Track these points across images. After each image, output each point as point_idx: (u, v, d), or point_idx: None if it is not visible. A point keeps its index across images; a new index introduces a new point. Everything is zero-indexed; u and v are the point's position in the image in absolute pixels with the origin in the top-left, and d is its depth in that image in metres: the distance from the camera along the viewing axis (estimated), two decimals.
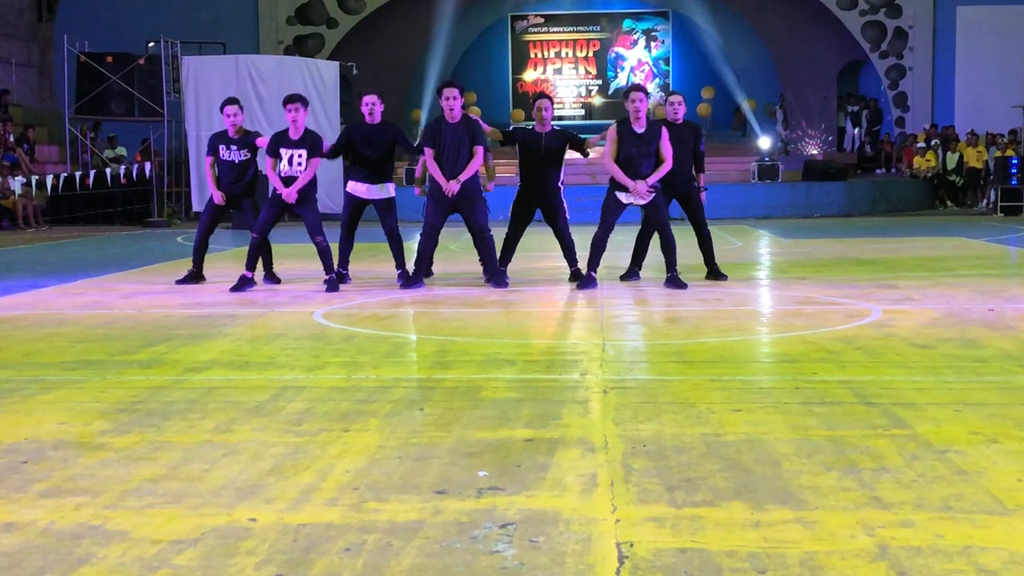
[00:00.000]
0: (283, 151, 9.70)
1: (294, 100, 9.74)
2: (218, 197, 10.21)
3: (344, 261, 10.32)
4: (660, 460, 4.05)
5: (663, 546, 3.15)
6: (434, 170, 9.68)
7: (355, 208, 10.26)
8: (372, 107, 9.94)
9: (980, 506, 3.48)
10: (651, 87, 32.03)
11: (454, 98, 9.64)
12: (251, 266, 9.85)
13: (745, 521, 3.35)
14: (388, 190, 10.13)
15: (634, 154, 9.39)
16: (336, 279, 9.87)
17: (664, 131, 9.55)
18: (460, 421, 4.72)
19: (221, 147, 10.20)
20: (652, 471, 3.91)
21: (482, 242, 9.94)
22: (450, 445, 4.31)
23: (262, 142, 10.19)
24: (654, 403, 5.04)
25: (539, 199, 10.15)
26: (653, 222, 9.79)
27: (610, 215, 9.65)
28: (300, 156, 9.70)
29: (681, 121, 10.03)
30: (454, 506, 3.54)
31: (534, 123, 10.12)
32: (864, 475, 3.83)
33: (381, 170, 10.08)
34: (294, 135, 9.72)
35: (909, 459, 4.02)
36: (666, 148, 9.46)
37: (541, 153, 9.97)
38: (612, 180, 9.61)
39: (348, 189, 10.24)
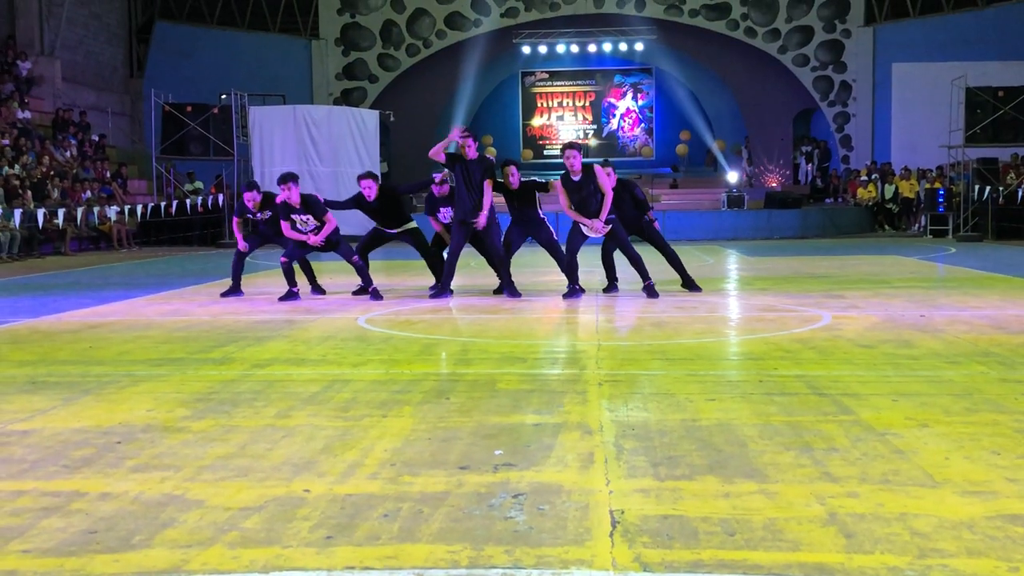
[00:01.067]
0: (294, 216, 9.90)
1: (285, 180, 9.83)
2: (243, 246, 10.42)
3: (368, 278, 10.24)
4: (646, 441, 4.04)
5: (649, 513, 3.14)
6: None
7: (375, 235, 10.46)
8: (369, 189, 10.09)
9: (914, 480, 3.47)
10: (637, 131, 32.16)
11: (468, 145, 9.77)
12: (291, 283, 9.99)
13: (717, 492, 3.34)
14: (410, 224, 10.35)
15: (578, 198, 9.49)
16: (377, 291, 9.91)
17: (597, 170, 9.58)
18: (480, 408, 4.72)
19: (248, 215, 10.38)
20: (639, 450, 3.90)
21: (500, 261, 9.98)
22: (471, 428, 4.30)
23: (281, 197, 10.29)
24: (641, 394, 5.03)
25: (525, 228, 10.21)
26: (616, 247, 9.90)
27: (573, 241, 9.71)
28: (306, 218, 9.89)
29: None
30: (474, 479, 3.54)
31: (502, 180, 10.08)
32: (817, 454, 3.81)
33: (396, 220, 10.33)
34: (295, 204, 9.84)
35: (854, 440, 4.01)
36: (603, 183, 9.49)
37: (515, 201, 10.05)
38: None
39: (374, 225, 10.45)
